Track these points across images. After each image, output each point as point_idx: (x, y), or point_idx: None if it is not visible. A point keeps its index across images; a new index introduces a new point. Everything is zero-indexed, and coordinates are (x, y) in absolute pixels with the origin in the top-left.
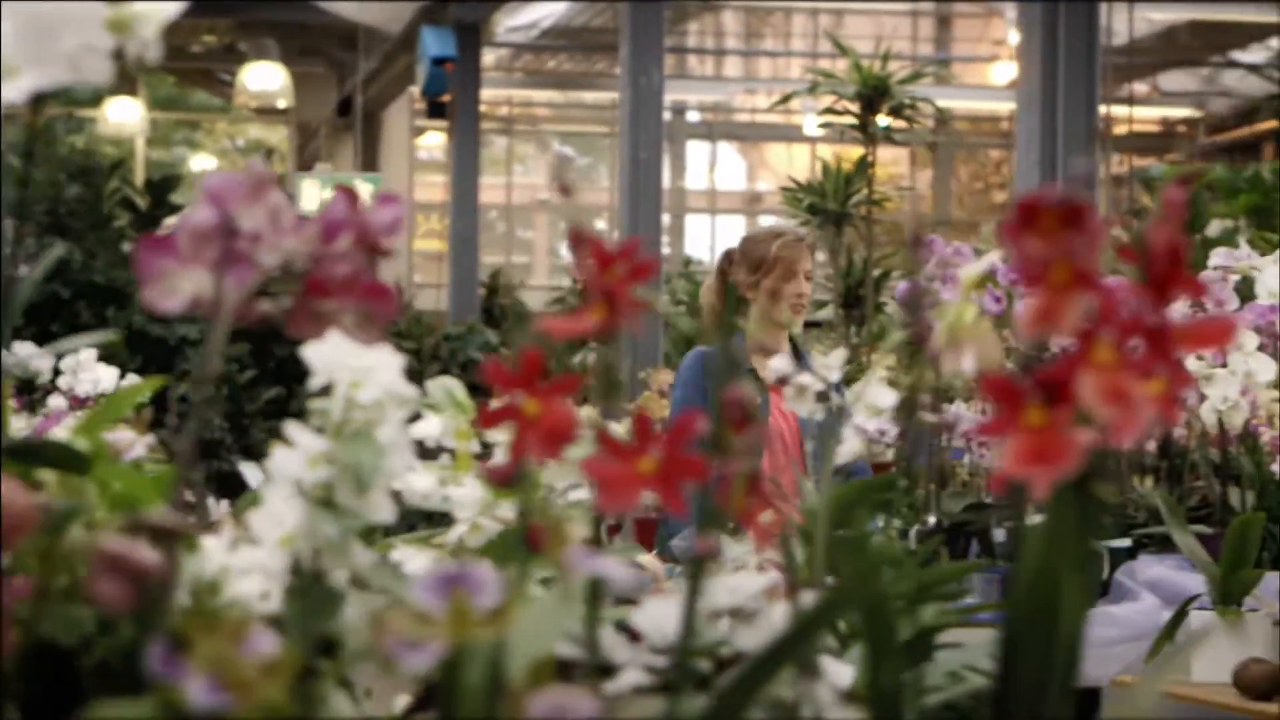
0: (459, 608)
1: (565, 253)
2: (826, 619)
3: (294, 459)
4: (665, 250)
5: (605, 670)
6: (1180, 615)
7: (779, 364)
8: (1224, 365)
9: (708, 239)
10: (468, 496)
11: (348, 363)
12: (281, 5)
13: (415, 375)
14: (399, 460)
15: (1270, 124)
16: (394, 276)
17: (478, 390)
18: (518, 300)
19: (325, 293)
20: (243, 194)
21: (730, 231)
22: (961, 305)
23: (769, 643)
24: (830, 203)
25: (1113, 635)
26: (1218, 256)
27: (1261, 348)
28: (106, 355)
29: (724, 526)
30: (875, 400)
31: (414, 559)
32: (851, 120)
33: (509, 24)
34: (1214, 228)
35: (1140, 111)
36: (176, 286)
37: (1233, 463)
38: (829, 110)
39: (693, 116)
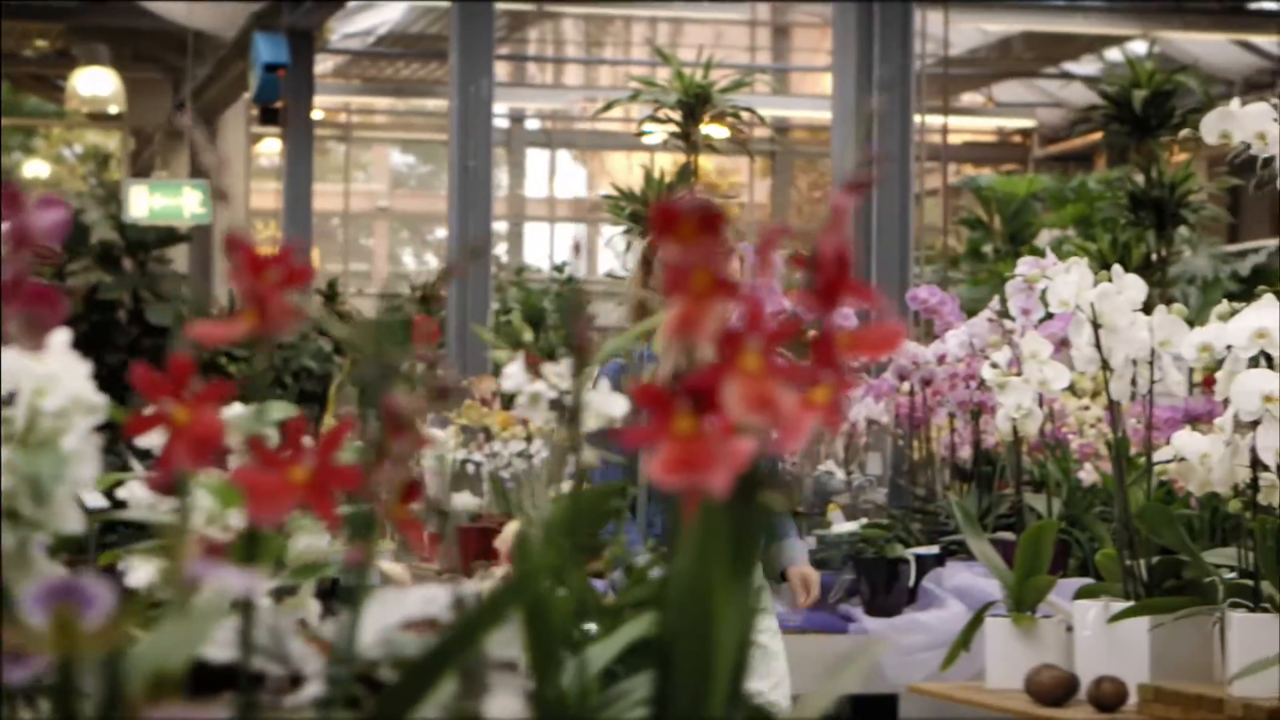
0: (63, 621)
1: (407, 260)
2: (485, 625)
3: None
4: (503, 258)
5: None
6: (976, 622)
7: (512, 373)
8: (1019, 374)
9: (546, 246)
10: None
11: (32, 370)
12: (114, 10)
13: (249, 384)
14: (86, 469)
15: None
16: (228, 285)
17: (311, 398)
18: (355, 308)
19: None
20: None
21: (569, 239)
22: None
23: (426, 649)
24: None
25: (919, 641)
26: (1023, 265)
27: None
28: None
29: (375, 535)
30: (604, 408)
31: (139, 570)
32: (674, 128)
33: (345, 30)
34: (1044, 237)
35: (976, 122)
36: None
37: (1043, 470)
38: (651, 118)
39: (532, 124)
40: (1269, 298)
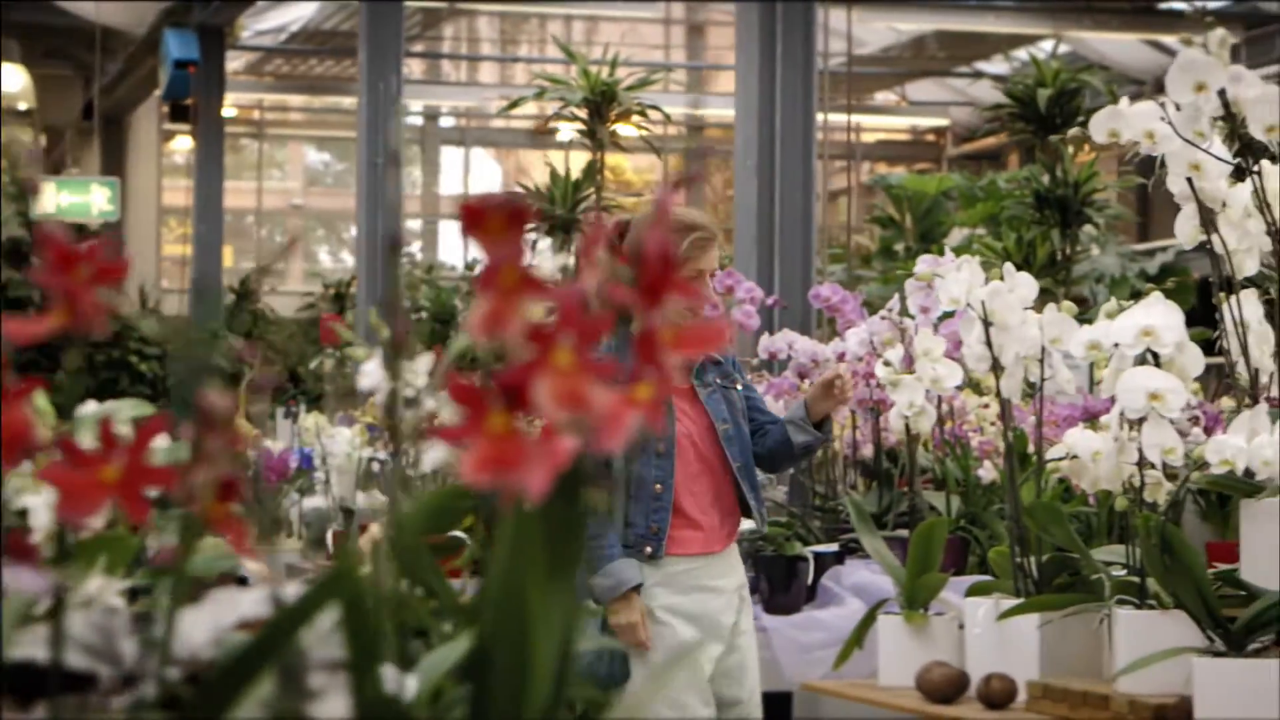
0: None
1: (323, 257)
2: (297, 623)
3: None
4: (418, 255)
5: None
6: (869, 620)
7: (369, 370)
8: (911, 371)
9: (461, 245)
10: (42, 504)
11: None
12: (23, 5)
13: (160, 381)
14: None
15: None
16: (140, 281)
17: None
18: (267, 305)
19: None
20: None
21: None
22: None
23: (238, 647)
24: (559, 208)
25: (817, 639)
26: (921, 263)
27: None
28: None
29: (198, 535)
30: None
31: None
32: (580, 126)
33: (257, 27)
34: (955, 236)
35: (891, 121)
36: None
37: (942, 467)
38: (557, 116)
39: (446, 122)
40: (1156, 296)
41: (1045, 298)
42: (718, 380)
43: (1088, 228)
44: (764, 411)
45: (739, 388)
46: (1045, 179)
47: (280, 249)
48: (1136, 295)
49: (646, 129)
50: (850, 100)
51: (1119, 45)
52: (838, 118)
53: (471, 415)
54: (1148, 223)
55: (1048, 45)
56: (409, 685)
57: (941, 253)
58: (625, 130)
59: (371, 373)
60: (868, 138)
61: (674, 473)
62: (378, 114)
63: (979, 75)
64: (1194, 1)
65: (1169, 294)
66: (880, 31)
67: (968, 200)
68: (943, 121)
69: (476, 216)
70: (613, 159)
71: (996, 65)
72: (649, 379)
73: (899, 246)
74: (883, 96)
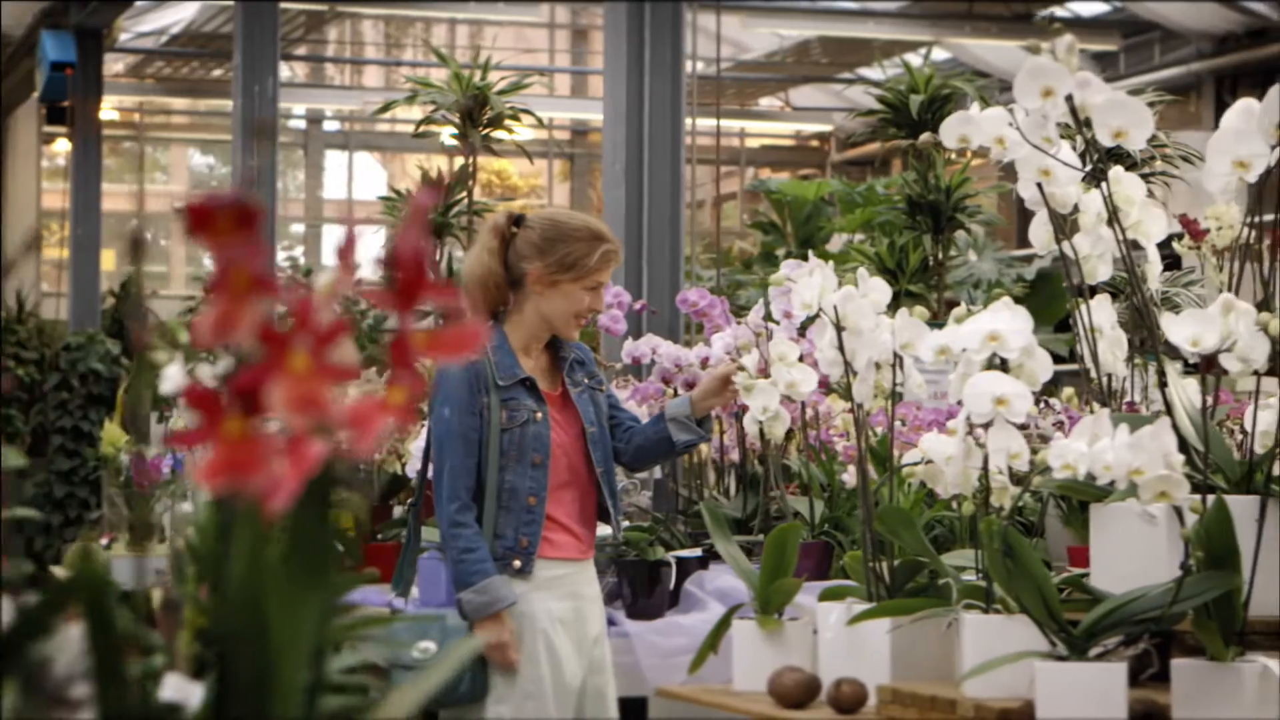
0: None
1: (208, 262)
2: (32, 634)
3: None
4: (300, 260)
5: None
6: (723, 625)
7: (171, 375)
8: (766, 375)
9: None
10: None
11: None
12: None
13: (35, 386)
14: None
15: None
16: (17, 285)
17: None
18: (150, 309)
19: None
20: None
21: (369, 241)
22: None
23: None
24: (430, 212)
25: (679, 644)
26: (785, 268)
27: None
28: None
29: None
30: None
31: None
32: (453, 129)
33: (137, 30)
34: (836, 242)
35: (776, 127)
36: None
37: (807, 472)
38: (429, 120)
39: (330, 125)
40: (1004, 301)
41: (918, 303)
42: (585, 380)
43: (963, 233)
44: (623, 410)
45: (604, 390)
46: (918, 185)
47: (24, 246)
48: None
49: (511, 132)
50: (732, 105)
51: (999, 52)
52: (727, 123)
53: (207, 419)
54: (1026, 229)
55: (937, 53)
56: (194, 693)
57: (825, 258)
58: (529, 133)
59: (173, 376)
60: (753, 143)
61: (547, 484)
62: (253, 116)
63: (861, 81)
64: (1069, 5)
65: (1026, 299)
66: (765, 37)
67: (847, 206)
68: (826, 127)
69: (203, 218)
70: (498, 163)
71: (880, 71)
72: (402, 382)
73: (780, 251)
74: (767, 102)
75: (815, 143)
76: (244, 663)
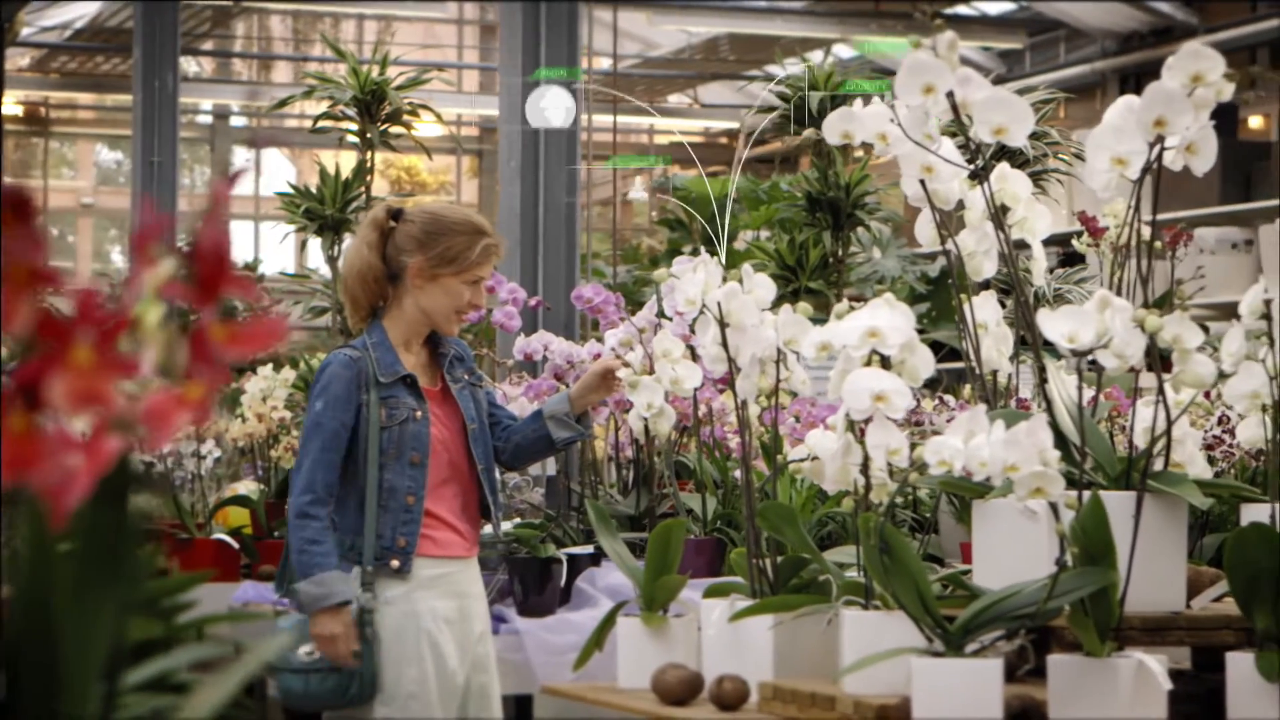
0: None
1: (115, 258)
2: None
3: None
4: None
5: None
6: (608, 622)
7: None
8: (651, 373)
9: (251, 245)
10: None
11: None
12: None
13: None
14: None
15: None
16: None
17: None
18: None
19: None
20: None
21: (274, 237)
22: (146, 306)
23: None
24: (328, 208)
25: (570, 641)
26: (676, 265)
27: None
28: None
29: None
30: None
31: None
32: (351, 125)
33: (41, 24)
34: (742, 239)
35: (685, 123)
36: None
37: (700, 469)
38: (327, 115)
39: (237, 121)
40: (886, 297)
41: (819, 300)
42: (465, 376)
43: (866, 230)
44: (501, 407)
45: (484, 387)
46: (818, 182)
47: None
48: (918, 297)
49: (410, 128)
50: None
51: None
52: (636, 120)
53: None
54: None
55: (841, 50)
56: None
57: (732, 256)
58: (436, 129)
59: None
60: (661, 140)
61: (426, 483)
62: (154, 112)
63: (767, 78)
64: (975, 4)
65: (930, 296)
66: (673, 34)
67: (752, 203)
68: (734, 124)
69: None
70: (408, 159)
71: (786, 69)
72: (200, 376)
73: (687, 249)
74: (676, 99)
75: (724, 140)
76: (32, 662)
